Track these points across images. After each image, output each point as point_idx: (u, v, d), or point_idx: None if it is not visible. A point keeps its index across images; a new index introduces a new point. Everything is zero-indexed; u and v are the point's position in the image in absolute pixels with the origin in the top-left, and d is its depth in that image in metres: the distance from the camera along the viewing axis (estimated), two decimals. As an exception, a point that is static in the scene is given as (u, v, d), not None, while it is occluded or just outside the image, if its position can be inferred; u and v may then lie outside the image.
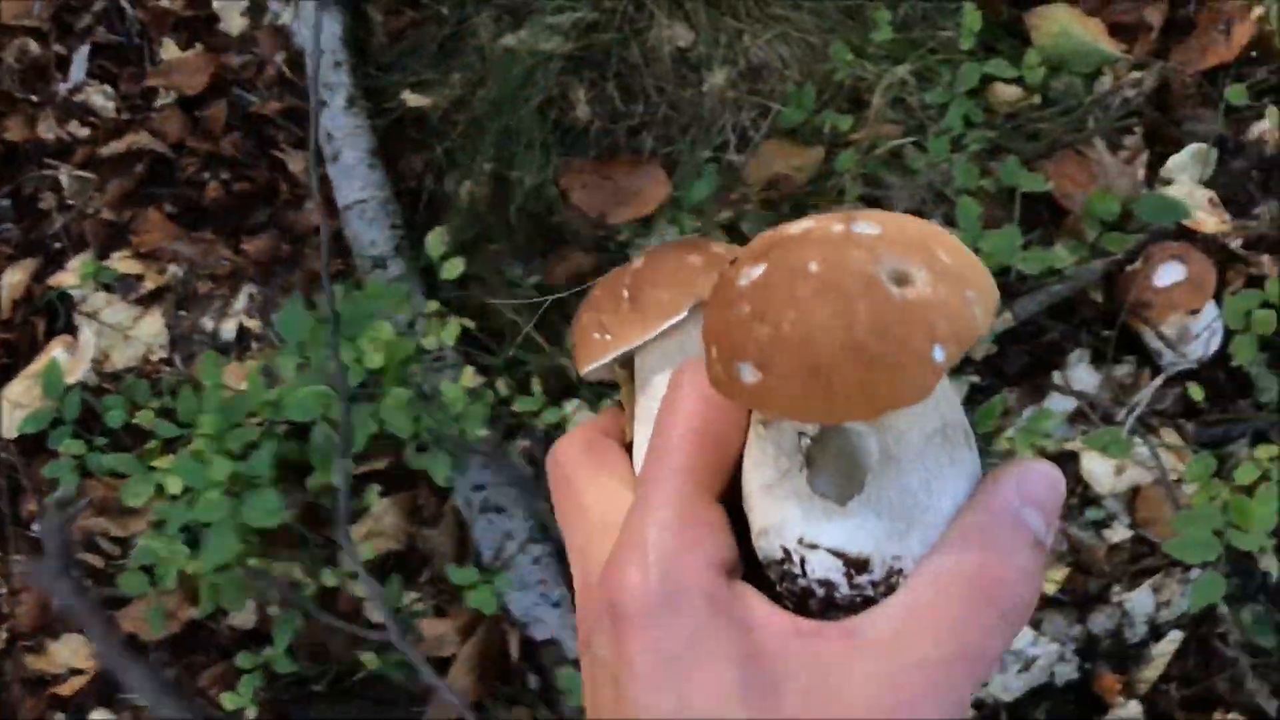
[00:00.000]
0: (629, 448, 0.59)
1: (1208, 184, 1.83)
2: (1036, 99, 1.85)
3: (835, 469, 0.54)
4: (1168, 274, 1.72)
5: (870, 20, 1.70)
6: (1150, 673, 1.68)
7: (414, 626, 1.49)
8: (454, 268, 1.56)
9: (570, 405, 1.60)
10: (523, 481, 1.58)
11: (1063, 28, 1.87)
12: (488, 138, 1.77)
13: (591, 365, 0.60)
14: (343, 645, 1.56)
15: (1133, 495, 1.71)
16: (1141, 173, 1.81)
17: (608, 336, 0.60)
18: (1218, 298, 1.77)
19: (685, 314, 0.58)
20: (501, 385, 1.47)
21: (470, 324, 1.52)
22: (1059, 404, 1.71)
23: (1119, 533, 1.70)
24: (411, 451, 1.52)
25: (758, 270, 0.49)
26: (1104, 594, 1.68)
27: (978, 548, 0.50)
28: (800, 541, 0.52)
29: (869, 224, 0.49)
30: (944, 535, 0.51)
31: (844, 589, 0.52)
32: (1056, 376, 1.71)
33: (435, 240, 1.56)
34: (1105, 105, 1.86)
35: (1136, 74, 1.90)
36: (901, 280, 0.48)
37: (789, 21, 1.73)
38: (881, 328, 0.47)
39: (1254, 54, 1.94)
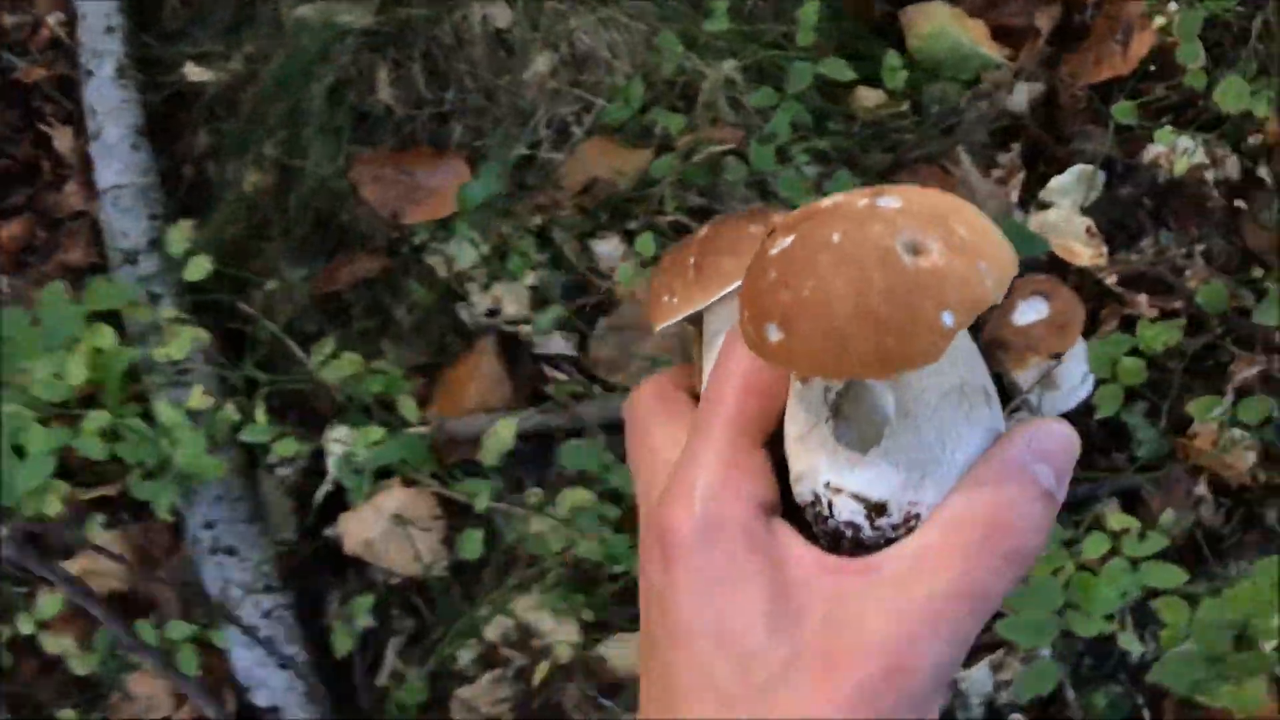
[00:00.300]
0: (698, 399, 0.65)
1: (1091, 210, 1.64)
2: (905, 106, 1.66)
3: (857, 422, 0.61)
4: (1028, 311, 1.52)
5: (708, 8, 1.51)
6: (988, 760, 1.50)
7: (122, 684, 1.29)
8: (199, 267, 1.36)
9: (338, 432, 1.40)
10: (265, 519, 1.38)
11: (939, 28, 1.67)
12: (274, 120, 1.56)
13: (661, 325, 0.69)
14: (52, 696, 1.36)
15: (979, 558, 1.53)
16: (1016, 194, 1.62)
17: (674, 300, 0.69)
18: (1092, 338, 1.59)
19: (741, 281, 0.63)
20: (232, 408, 1.27)
21: (204, 335, 1.32)
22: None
23: (961, 600, 1.52)
24: (137, 479, 1.32)
25: (787, 241, 0.56)
26: (937, 670, 1.49)
27: (987, 495, 0.56)
28: (827, 486, 0.60)
29: (893, 199, 0.55)
30: (957, 483, 0.58)
31: (867, 530, 0.59)
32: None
33: (179, 234, 1.36)
34: (981, 117, 1.67)
35: (1020, 84, 1.71)
36: (916, 251, 0.53)
37: (619, 4, 1.53)
38: (894, 295, 0.53)
39: (1153, 68, 1.75)
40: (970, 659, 1.50)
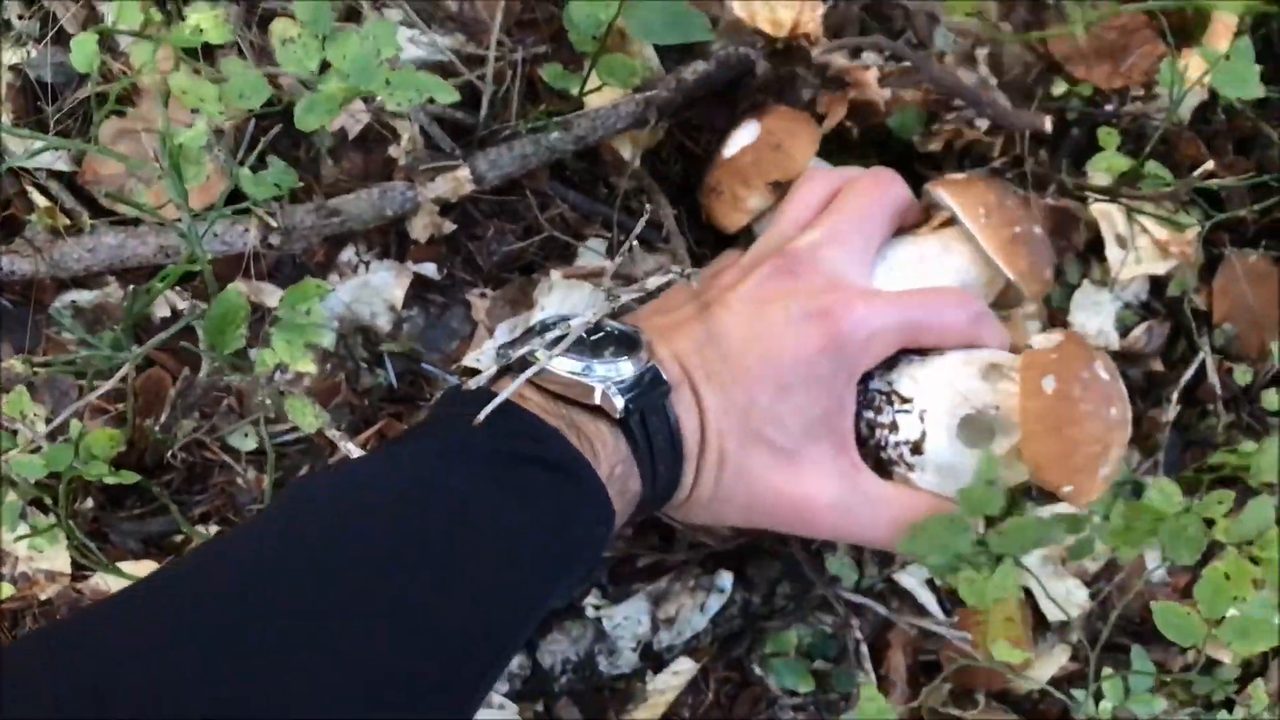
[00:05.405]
0: None
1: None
2: None
3: (978, 437, 1.03)
4: (739, 138, 1.17)
5: None
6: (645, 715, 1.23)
7: None
8: None
9: None
10: None
11: None
12: None
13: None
14: None
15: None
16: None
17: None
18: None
19: None
20: None
21: None
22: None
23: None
24: None
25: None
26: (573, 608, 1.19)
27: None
28: (923, 415, 1.02)
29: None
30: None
31: (895, 453, 1.04)
32: (546, 288, 1.18)
33: None
34: None
35: None
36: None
37: None
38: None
39: None
40: (623, 593, 1.22)
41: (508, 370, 0.98)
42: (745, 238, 1.19)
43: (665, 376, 0.99)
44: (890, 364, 1.06)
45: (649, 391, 0.97)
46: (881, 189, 1.10)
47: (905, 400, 1.03)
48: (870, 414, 1.05)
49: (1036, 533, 1.03)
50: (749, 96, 1.20)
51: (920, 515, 1.03)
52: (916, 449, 1.03)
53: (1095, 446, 0.98)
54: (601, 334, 0.99)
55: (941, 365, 1.04)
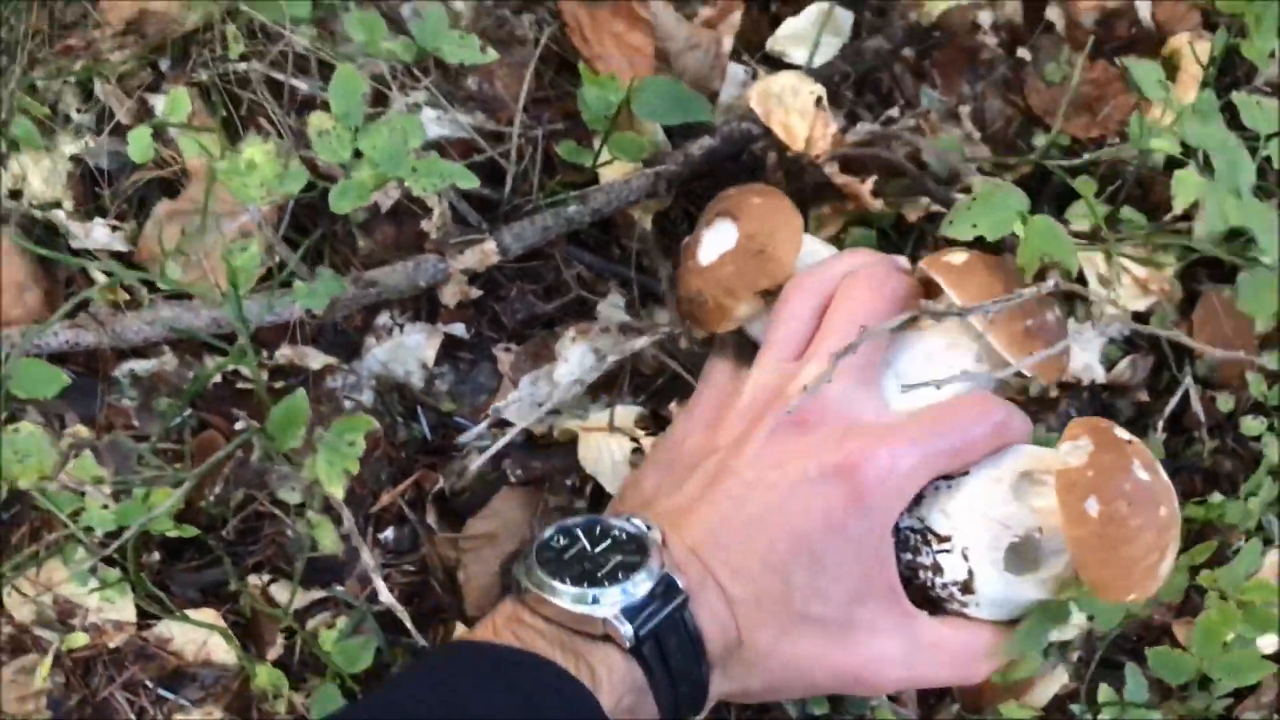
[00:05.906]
0: None
1: (831, 66, 1.37)
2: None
3: (1028, 561, 0.98)
4: (715, 242, 1.12)
5: None
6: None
7: None
8: None
9: None
10: None
11: None
12: None
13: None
14: None
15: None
16: (729, 42, 1.34)
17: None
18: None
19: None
20: None
21: None
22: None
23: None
24: None
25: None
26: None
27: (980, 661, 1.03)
28: (964, 553, 0.97)
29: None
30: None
31: (944, 592, 0.99)
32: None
33: None
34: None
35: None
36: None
37: None
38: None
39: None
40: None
41: (507, 590, 0.94)
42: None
43: (682, 583, 0.91)
44: (917, 497, 0.99)
45: (664, 606, 0.89)
46: (877, 291, 1.03)
47: (943, 539, 0.98)
48: (908, 556, 1.01)
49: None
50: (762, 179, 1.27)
51: (983, 646, 0.99)
52: (966, 588, 0.99)
53: (1153, 556, 0.93)
54: (608, 541, 0.93)
55: (971, 491, 0.99)
